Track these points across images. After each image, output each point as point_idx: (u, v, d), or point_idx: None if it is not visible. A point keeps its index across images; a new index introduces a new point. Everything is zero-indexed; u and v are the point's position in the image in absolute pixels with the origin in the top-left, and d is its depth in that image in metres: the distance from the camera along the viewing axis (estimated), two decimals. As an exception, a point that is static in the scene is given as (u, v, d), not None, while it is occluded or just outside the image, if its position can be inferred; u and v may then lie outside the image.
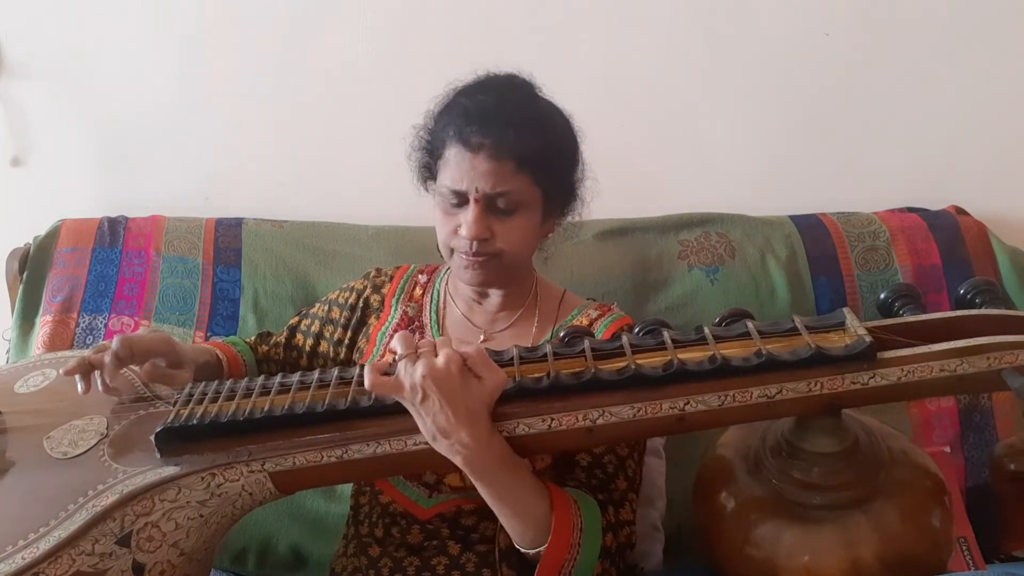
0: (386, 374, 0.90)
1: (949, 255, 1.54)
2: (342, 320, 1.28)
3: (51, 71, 1.68)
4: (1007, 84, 1.67)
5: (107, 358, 1.04)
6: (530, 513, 0.94)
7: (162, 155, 1.72)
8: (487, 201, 1.08)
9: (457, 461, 0.91)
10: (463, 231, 1.09)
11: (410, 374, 0.88)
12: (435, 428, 0.89)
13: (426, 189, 1.20)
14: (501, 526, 0.98)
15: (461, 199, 1.09)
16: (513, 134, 1.06)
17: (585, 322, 1.19)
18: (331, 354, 1.27)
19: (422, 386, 0.87)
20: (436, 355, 0.89)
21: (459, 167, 1.08)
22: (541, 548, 0.93)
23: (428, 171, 1.17)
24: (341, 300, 1.30)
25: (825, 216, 1.62)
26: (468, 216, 1.08)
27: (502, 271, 1.13)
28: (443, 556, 1.08)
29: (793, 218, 1.61)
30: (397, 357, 0.90)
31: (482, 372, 0.90)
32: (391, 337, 1.21)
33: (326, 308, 1.31)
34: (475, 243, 1.09)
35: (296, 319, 1.34)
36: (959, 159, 1.70)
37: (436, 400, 0.88)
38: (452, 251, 1.13)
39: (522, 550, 0.97)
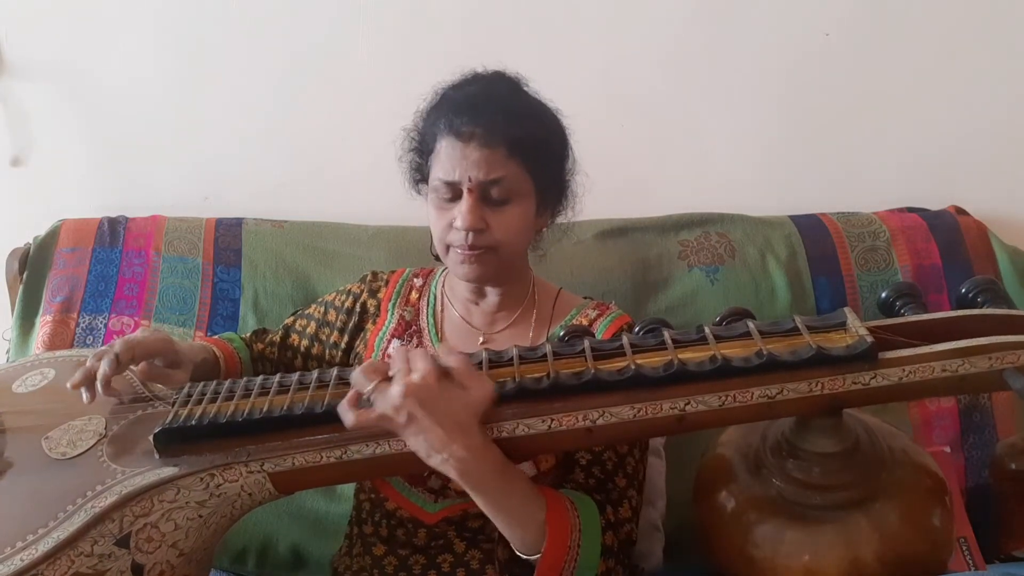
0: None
1: (949, 255, 1.54)
2: (338, 323, 1.27)
3: (51, 71, 1.68)
4: (1007, 84, 1.67)
5: (106, 365, 1.02)
6: (528, 518, 0.93)
7: (161, 155, 1.72)
8: (481, 190, 1.07)
9: (451, 474, 0.89)
10: (458, 223, 1.07)
11: (388, 401, 0.86)
12: (427, 445, 0.87)
13: (418, 192, 1.19)
14: (500, 537, 0.97)
15: (454, 191, 1.08)
16: (503, 120, 1.06)
17: (584, 322, 1.18)
18: (326, 357, 1.26)
19: (404, 407, 0.85)
20: (410, 372, 0.86)
21: (450, 158, 1.07)
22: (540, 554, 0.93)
23: (420, 172, 1.17)
24: (337, 303, 1.28)
25: (825, 216, 1.62)
26: (462, 207, 1.07)
27: (498, 265, 1.12)
28: (448, 554, 1.08)
29: (793, 218, 1.61)
30: (366, 393, 0.87)
31: (468, 383, 0.88)
32: (389, 342, 1.21)
33: (322, 310, 1.29)
34: (470, 234, 1.07)
35: (292, 318, 1.33)
36: (959, 159, 1.70)
37: (422, 417, 0.85)
38: (448, 248, 1.11)
39: (523, 556, 0.96)
